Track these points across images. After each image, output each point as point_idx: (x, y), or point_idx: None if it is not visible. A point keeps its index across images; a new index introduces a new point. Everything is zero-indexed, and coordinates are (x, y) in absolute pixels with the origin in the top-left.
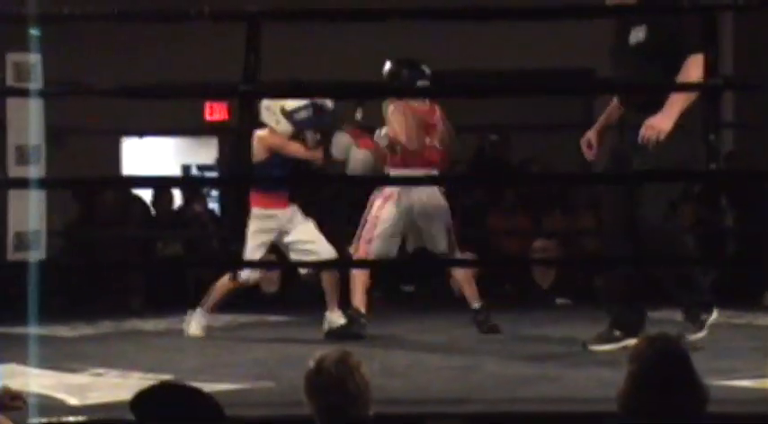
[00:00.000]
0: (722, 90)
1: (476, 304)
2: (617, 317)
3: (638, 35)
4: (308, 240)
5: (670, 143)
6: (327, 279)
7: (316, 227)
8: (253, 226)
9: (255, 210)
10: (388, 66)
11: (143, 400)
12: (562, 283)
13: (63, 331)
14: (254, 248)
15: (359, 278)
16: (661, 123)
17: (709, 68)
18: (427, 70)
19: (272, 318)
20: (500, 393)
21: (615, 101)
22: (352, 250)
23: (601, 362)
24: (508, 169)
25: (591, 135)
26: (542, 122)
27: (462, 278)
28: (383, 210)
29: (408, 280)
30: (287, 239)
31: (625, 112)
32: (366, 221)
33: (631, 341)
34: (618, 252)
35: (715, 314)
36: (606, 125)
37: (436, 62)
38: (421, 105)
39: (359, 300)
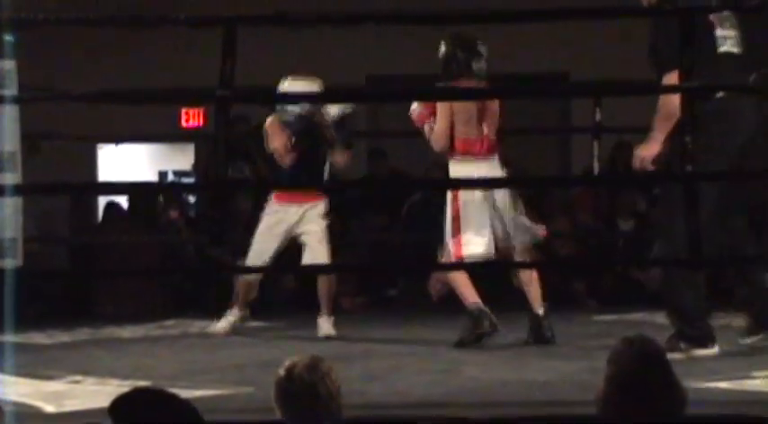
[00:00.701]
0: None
1: (539, 310)
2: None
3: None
4: (309, 241)
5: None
6: (322, 285)
7: (323, 230)
8: (263, 221)
9: (271, 205)
10: (443, 47)
11: (120, 406)
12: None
13: (39, 338)
14: (262, 242)
15: (459, 277)
16: (643, 152)
17: (686, 71)
18: (483, 49)
19: (252, 324)
20: (480, 397)
21: None
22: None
23: (579, 365)
24: None
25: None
26: (517, 126)
27: (527, 279)
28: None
29: (392, 284)
30: (298, 237)
31: None
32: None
33: (701, 351)
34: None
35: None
36: None
37: (413, 66)
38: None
39: (471, 294)
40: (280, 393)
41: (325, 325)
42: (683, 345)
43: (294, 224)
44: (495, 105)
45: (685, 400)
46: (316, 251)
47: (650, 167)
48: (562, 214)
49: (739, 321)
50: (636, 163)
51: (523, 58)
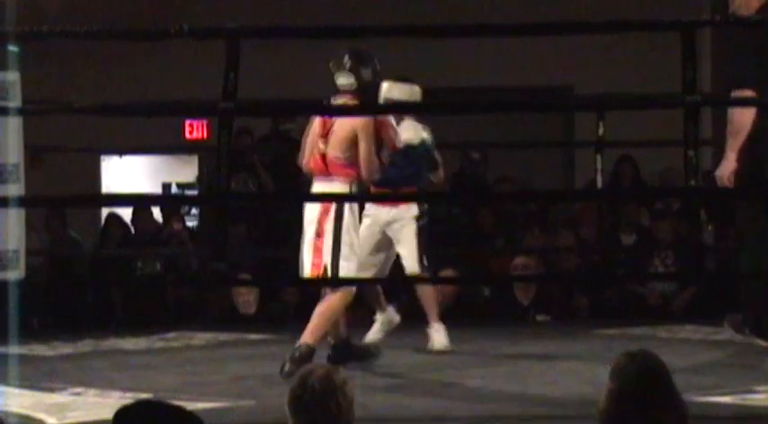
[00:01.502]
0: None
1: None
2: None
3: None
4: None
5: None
6: (422, 290)
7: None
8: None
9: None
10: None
11: (123, 418)
12: (542, 300)
13: (42, 350)
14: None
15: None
16: (724, 172)
17: (689, 85)
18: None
19: (253, 336)
20: (480, 409)
21: None
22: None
23: (581, 379)
24: (487, 187)
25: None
26: (521, 140)
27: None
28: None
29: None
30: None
31: None
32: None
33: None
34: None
35: None
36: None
37: (418, 79)
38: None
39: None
40: (292, 400)
41: (436, 336)
42: (747, 330)
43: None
44: (345, 125)
45: (687, 414)
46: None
47: (730, 184)
48: (566, 228)
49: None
50: (718, 184)
51: (528, 72)
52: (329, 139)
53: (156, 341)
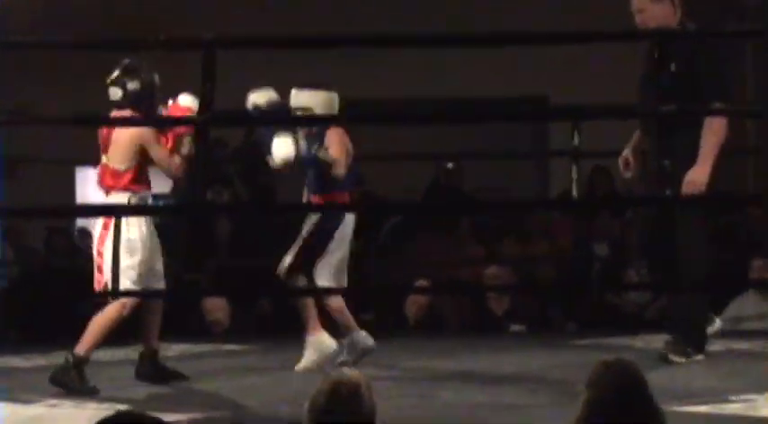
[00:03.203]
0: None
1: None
2: (687, 333)
3: (665, 74)
4: None
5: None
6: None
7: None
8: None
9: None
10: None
11: None
12: (516, 310)
13: (16, 361)
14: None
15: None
16: (699, 176)
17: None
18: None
19: (227, 347)
20: (455, 420)
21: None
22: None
23: (556, 389)
24: (462, 197)
25: (627, 153)
26: (496, 150)
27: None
28: None
29: (367, 308)
30: None
31: (649, 138)
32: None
33: (700, 357)
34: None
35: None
36: (638, 147)
37: (393, 89)
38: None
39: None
40: (312, 406)
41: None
42: (690, 350)
43: None
44: (125, 136)
45: (663, 421)
46: None
47: (703, 190)
48: (541, 237)
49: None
50: (688, 188)
51: (503, 82)
52: (110, 152)
53: (131, 353)
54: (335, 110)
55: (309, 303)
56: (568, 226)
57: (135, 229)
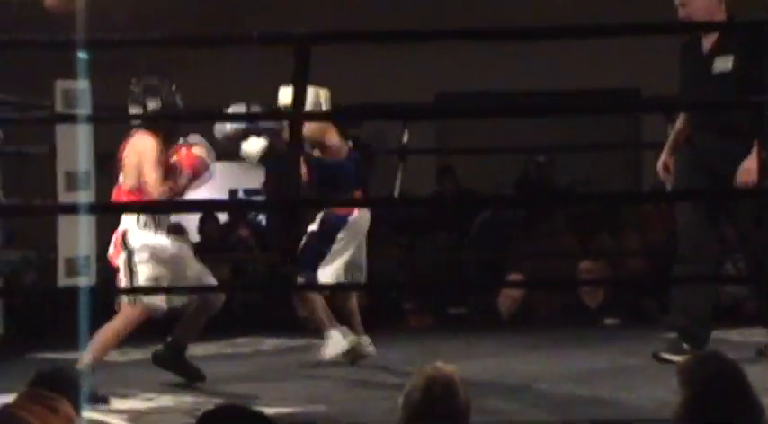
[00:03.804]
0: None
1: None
2: (687, 330)
3: (724, 64)
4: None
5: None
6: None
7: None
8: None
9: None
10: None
11: (208, 422)
12: (610, 303)
13: (114, 355)
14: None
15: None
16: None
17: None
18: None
19: (320, 341)
20: (553, 413)
21: (680, 123)
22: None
23: (655, 382)
24: (554, 190)
25: (667, 158)
26: (589, 143)
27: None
28: None
29: (459, 303)
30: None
31: (701, 136)
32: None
33: None
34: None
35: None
36: (677, 147)
37: (480, 82)
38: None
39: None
40: (407, 401)
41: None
42: (686, 346)
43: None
44: (128, 157)
45: (763, 417)
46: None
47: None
48: (634, 230)
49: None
50: (744, 177)
51: (595, 74)
52: (123, 170)
53: (225, 347)
54: (322, 105)
55: (316, 302)
56: (661, 219)
57: (148, 247)
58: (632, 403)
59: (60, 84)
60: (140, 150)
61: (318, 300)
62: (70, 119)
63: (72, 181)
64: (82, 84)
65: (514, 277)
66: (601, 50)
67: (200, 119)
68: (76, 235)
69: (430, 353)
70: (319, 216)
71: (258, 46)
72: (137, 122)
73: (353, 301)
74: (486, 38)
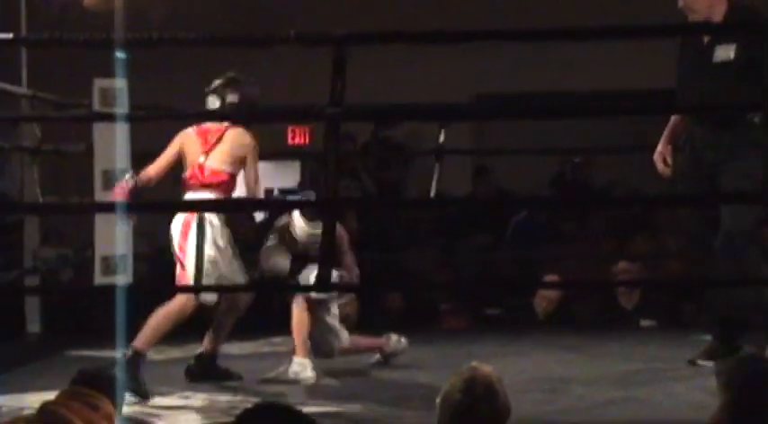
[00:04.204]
0: None
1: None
2: (722, 334)
3: (726, 53)
4: None
5: (755, 162)
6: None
7: None
8: None
9: None
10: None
11: (249, 421)
12: (647, 305)
13: (151, 353)
14: None
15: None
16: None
17: None
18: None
19: None
20: (588, 415)
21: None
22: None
23: (691, 384)
24: (589, 191)
25: (664, 150)
26: (627, 144)
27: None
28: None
29: (495, 303)
30: None
31: (698, 129)
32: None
33: None
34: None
35: None
36: (673, 137)
37: (518, 83)
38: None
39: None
40: (446, 401)
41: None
42: (722, 352)
43: None
44: (228, 143)
45: None
46: None
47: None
48: (670, 232)
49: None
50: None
51: (634, 75)
52: (214, 152)
53: (262, 346)
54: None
55: (302, 326)
56: None
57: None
58: (668, 405)
59: (98, 83)
60: (249, 144)
61: (304, 321)
62: (108, 117)
63: (109, 180)
64: (119, 83)
65: (550, 277)
66: (639, 50)
67: (240, 117)
68: (113, 234)
69: (466, 354)
70: None
71: (295, 46)
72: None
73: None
74: (526, 39)
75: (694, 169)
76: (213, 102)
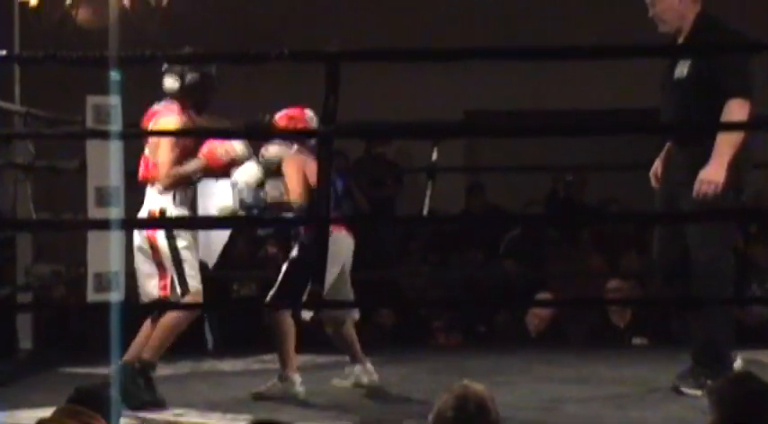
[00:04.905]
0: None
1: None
2: (701, 358)
3: (681, 70)
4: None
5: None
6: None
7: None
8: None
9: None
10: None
11: None
12: (639, 323)
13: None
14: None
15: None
16: (715, 176)
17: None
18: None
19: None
20: None
21: None
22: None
23: (682, 403)
24: (582, 210)
25: (658, 167)
26: (618, 162)
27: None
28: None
29: (487, 320)
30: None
31: (672, 147)
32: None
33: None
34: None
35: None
36: (669, 155)
37: (509, 101)
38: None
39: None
40: (438, 419)
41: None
42: (707, 381)
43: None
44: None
45: None
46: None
47: (718, 191)
48: None
49: None
50: (701, 187)
51: (623, 94)
52: (147, 143)
53: (252, 363)
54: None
55: (289, 338)
56: None
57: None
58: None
59: (91, 100)
60: (161, 127)
61: (291, 335)
62: (101, 134)
63: (102, 197)
64: (113, 100)
65: (543, 295)
66: (630, 70)
67: (226, 135)
68: (106, 251)
69: (458, 371)
70: (297, 241)
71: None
72: (168, 90)
73: (349, 328)
74: (516, 57)
75: (666, 188)
76: (171, 83)
